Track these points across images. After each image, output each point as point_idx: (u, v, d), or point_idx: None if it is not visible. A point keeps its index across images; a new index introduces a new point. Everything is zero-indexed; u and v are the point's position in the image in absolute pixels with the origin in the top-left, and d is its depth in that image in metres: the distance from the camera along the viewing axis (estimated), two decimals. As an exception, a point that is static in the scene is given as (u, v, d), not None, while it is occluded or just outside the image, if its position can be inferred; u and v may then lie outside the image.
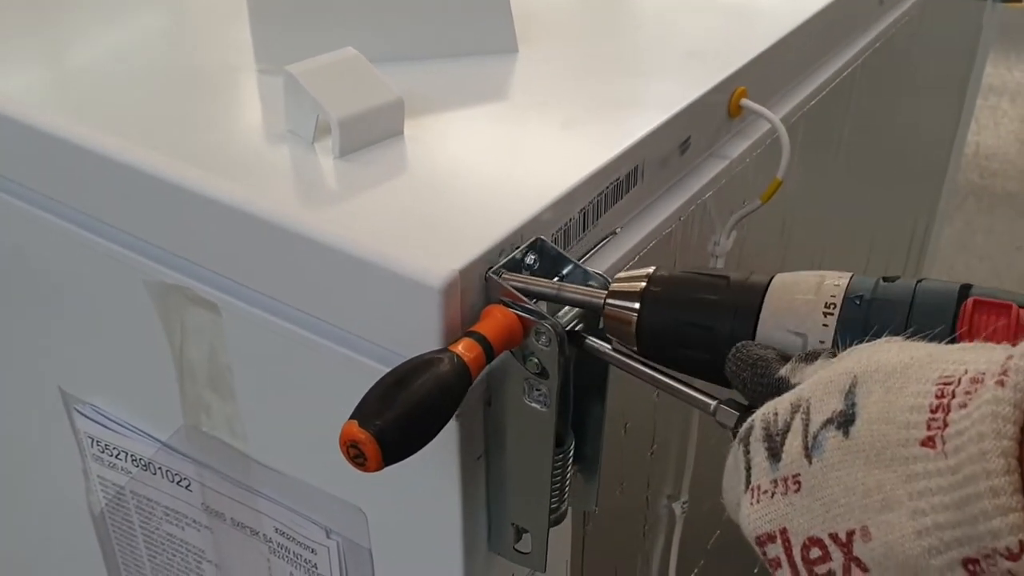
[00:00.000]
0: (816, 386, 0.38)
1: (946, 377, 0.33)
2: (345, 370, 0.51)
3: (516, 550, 0.55)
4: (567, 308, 0.51)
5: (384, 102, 0.57)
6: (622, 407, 0.66)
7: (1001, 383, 0.31)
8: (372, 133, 0.57)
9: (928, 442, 0.32)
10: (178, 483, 0.66)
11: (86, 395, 0.68)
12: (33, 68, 0.68)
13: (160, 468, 0.66)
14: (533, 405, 0.49)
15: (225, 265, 0.55)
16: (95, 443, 0.69)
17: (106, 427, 0.68)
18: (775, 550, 0.38)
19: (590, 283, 0.50)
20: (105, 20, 0.73)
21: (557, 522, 0.55)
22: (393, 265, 0.47)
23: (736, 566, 1.10)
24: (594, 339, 0.50)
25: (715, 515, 0.95)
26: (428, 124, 0.60)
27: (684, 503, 0.81)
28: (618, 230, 0.60)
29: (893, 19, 0.95)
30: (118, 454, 0.68)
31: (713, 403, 0.45)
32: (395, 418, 0.41)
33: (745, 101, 0.69)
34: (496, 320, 0.46)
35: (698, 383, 0.47)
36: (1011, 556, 0.29)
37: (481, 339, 0.45)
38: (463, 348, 0.44)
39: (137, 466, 0.68)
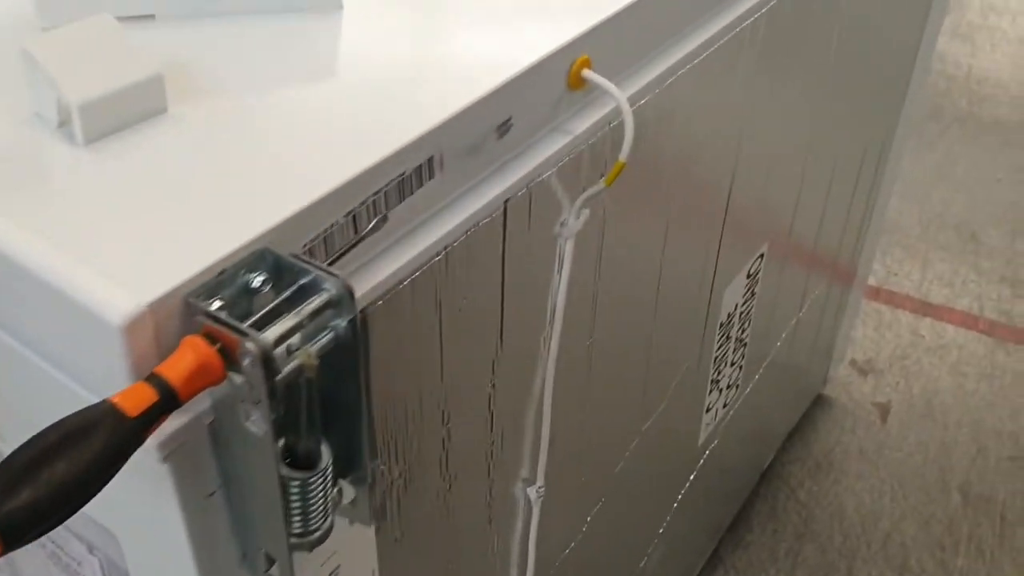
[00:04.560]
0: None
1: None
2: (55, 391, 0.46)
3: None
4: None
5: (137, 80, 0.51)
6: (433, 392, 0.60)
7: None
8: (124, 115, 0.51)
9: None
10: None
11: None
12: None
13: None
14: (252, 429, 0.43)
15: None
16: None
17: None
18: None
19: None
20: None
21: (313, 546, 0.50)
22: (75, 292, 0.41)
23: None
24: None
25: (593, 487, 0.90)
26: (202, 100, 0.53)
27: (540, 488, 0.77)
28: (387, 216, 0.52)
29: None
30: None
31: None
32: (23, 505, 0.35)
33: (588, 72, 0.61)
34: (184, 358, 0.39)
35: None
36: None
37: (162, 385, 0.39)
38: (131, 402, 0.38)
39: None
